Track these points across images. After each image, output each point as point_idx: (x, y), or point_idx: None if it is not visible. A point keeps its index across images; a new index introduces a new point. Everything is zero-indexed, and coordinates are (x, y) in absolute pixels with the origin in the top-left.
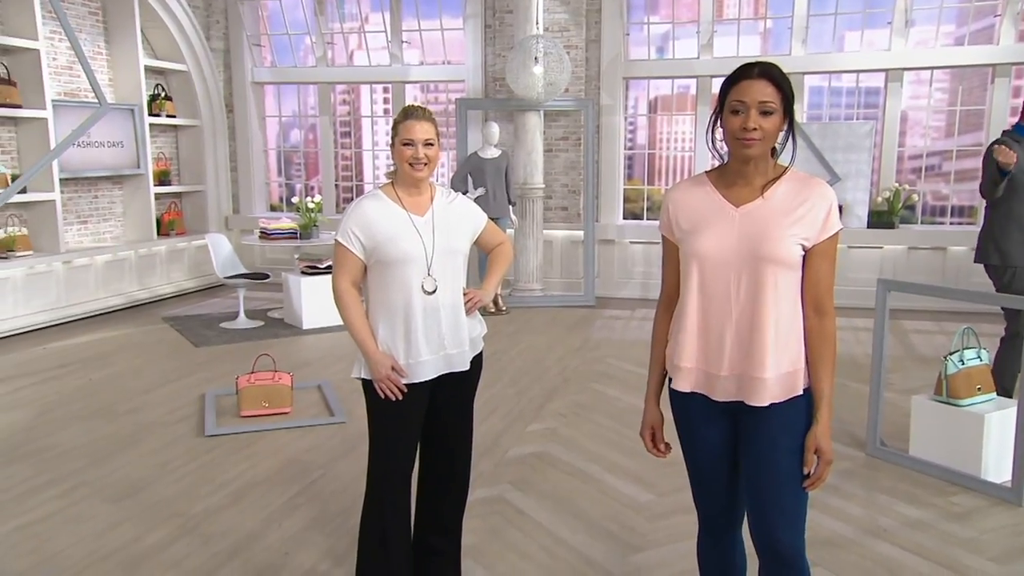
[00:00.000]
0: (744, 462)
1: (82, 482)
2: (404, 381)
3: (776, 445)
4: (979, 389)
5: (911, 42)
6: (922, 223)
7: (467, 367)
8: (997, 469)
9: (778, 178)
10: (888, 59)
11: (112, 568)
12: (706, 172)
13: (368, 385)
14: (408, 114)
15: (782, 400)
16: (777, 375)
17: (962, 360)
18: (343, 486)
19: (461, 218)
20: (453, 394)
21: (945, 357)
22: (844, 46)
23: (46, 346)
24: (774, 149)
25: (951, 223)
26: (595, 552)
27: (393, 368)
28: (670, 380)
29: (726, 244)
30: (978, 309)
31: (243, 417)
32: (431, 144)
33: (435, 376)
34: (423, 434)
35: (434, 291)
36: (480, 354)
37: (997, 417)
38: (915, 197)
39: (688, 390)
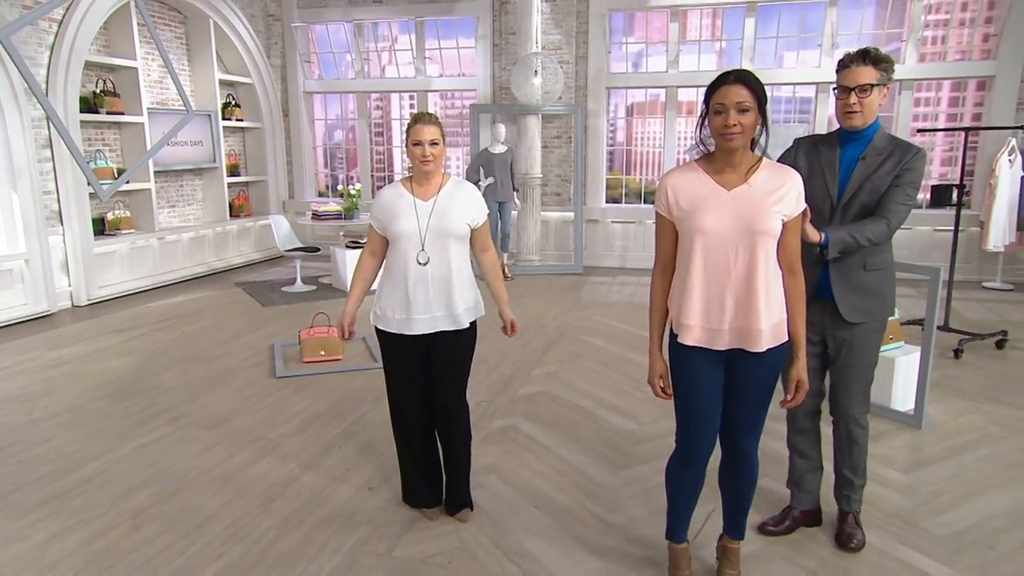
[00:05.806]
0: (731, 394)
1: (183, 413)
2: (403, 332)
3: (757, 381)
4: (891, 338)
5: (836, 61)
6: None
7: (454, 327)
8: (903, 400)
9: (756, 166)
10: (818, 74)
11: (212, 479)
12: (695, 161)
13: (378, 333)
14: (417, 119)
15: (774, 346)
16: (769, 325)
17: None
18: (386, 420)
19: (463, 204)
20: (443, 346)
21: None
22: (783, 63)
23: (148, 305)
24: (754, 141)
25: None
26: (591, 469)
27: (349, 328)
28: (672, 336)
29: (724, 221)
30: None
31: (305, 363)
32: (436, 143)
33: (427, 332)
34: (426, 379)
35: (426, 263)
36: (474, 322)
37: (904, 361)
38: None
39: (692, 343)
